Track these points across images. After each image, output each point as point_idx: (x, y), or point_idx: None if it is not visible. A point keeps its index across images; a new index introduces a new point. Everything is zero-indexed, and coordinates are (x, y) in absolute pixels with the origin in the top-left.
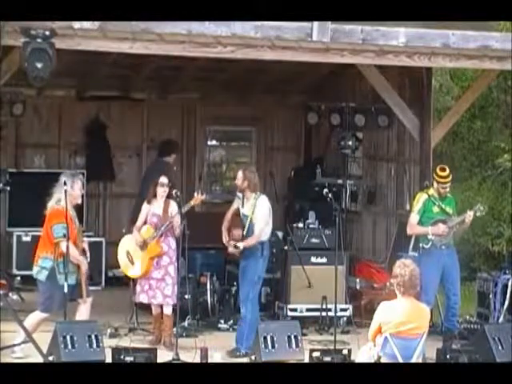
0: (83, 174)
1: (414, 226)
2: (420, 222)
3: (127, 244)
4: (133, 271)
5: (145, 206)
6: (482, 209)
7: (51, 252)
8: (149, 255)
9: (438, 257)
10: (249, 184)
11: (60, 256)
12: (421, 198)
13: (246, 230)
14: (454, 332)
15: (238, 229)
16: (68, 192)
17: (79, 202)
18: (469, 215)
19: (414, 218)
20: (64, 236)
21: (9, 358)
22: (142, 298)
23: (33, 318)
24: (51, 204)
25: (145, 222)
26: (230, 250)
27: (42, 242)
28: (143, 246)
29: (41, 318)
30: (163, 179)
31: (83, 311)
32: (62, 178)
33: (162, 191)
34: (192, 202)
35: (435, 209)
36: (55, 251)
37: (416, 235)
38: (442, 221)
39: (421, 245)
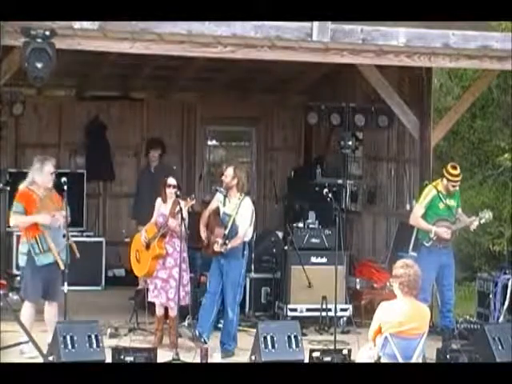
0: (83, 174)
1: (417, 219)
2: (424, 217)
3: (137, 242)
4: (137, 270)
5: (157, 206)
6: (487, 216)
7: (24, 235)
8: (151, 255)
9: (436, 255)
10: (238, 183)
11: (32, 237)
12: (430, 192)
13: (228, 229)
14: (452, 329)
15: (219, 228)
16: (37, 177)
17: (50, 185)
18: (473, 224)
19: (419, 210)
20: (14, 212)
21: (21, 358)
22: (150, 297)
23: (24, 313)
24: (20, 187)
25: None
26: (217, 248)
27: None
28: (147, 245)
29: (29, 307)
30: (170, 180)
31: (51, 312)
32: (34, 163)
33: (168, 192)
34: (183, 206)
35: (441, 205)
36: (26, 233)
37: (417, 228)
38: (446, 223)
39: (420, 242)
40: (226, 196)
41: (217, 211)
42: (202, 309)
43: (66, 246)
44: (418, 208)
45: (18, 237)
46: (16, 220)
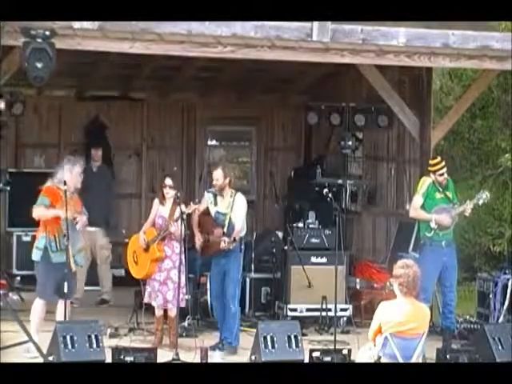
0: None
1: (417, 209)
2: (423, 208)
3: (135, 243)
4: (135, 271)
5: (155, 207)
6: (485, 196)
7: (43, 230)
8: (150, 258)
9: (438, 255)
10: (229, 181)
11: (51, 234)
12: (425, 181)
13: (226, 228)
14: (453, 330)
15: (217, 228)
16: (66, 177)
17: (79, 186)
18: (469, 207)
19: (417, 200)
20: (39, 204)
21: (21, 358)
22: (147, 299)
23: (35, 308)
24: (47, 184)
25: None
26: (225, 246)
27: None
28: (146, 247)
29: (40, 304)
30: (167, 180)
31: (61, 311)
32: (64, 163)
33: (165, 193)
34: (186, 209)
35: (438, 195)
36: (46, 229)
37: (417, 225)
38: (444, 209)
39: (422, 234)
40: (216, 195)
41: (207, 212)
42: (225, 318)
43: (83, 249)
44: (417, 198)
45: (19, 237)
46: (39, 212)
